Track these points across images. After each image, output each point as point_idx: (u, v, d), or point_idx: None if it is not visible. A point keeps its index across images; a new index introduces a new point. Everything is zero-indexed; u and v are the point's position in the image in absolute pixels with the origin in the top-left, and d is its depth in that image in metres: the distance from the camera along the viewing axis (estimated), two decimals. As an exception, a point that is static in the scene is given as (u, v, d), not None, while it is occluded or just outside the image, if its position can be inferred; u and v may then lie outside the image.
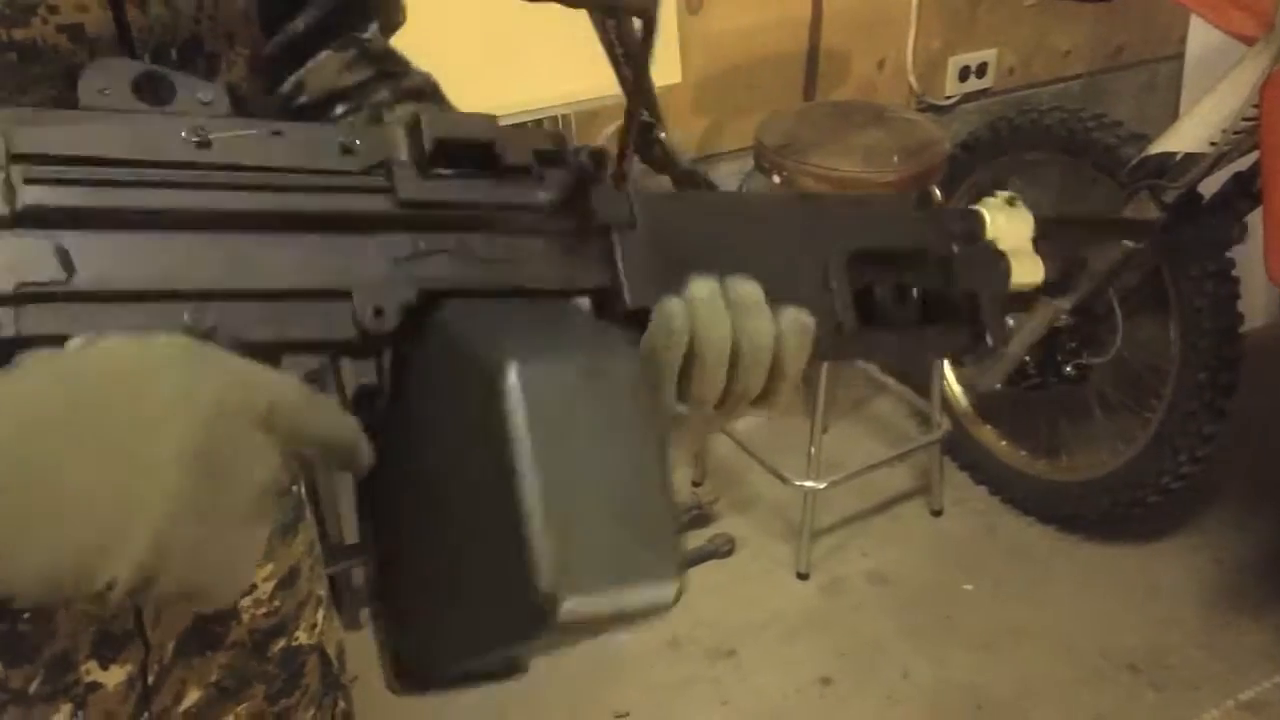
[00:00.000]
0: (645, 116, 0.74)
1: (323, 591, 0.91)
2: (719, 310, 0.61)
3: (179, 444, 0.45)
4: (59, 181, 0.51)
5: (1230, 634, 2.35)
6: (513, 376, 0.49)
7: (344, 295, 0.56)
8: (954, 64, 2.91)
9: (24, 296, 0.49)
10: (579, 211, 0.62)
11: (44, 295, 0.49)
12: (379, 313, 0.56)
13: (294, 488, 0.85)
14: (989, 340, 0.73)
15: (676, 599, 0.50)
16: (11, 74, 0.58)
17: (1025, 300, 0.76)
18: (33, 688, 0.68)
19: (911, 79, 2.83)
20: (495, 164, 0.60)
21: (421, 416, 0.57)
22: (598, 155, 0.58)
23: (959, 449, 2.73)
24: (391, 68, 0.81)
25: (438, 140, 0.58)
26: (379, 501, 0.61)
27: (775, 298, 0.63)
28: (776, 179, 2.29)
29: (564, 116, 2.31)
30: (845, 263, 0.69)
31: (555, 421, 0.49)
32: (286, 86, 0.78)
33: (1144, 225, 1.11)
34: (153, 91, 0.55)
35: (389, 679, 0.59)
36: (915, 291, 0.73)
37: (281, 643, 0.84)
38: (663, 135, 0.71)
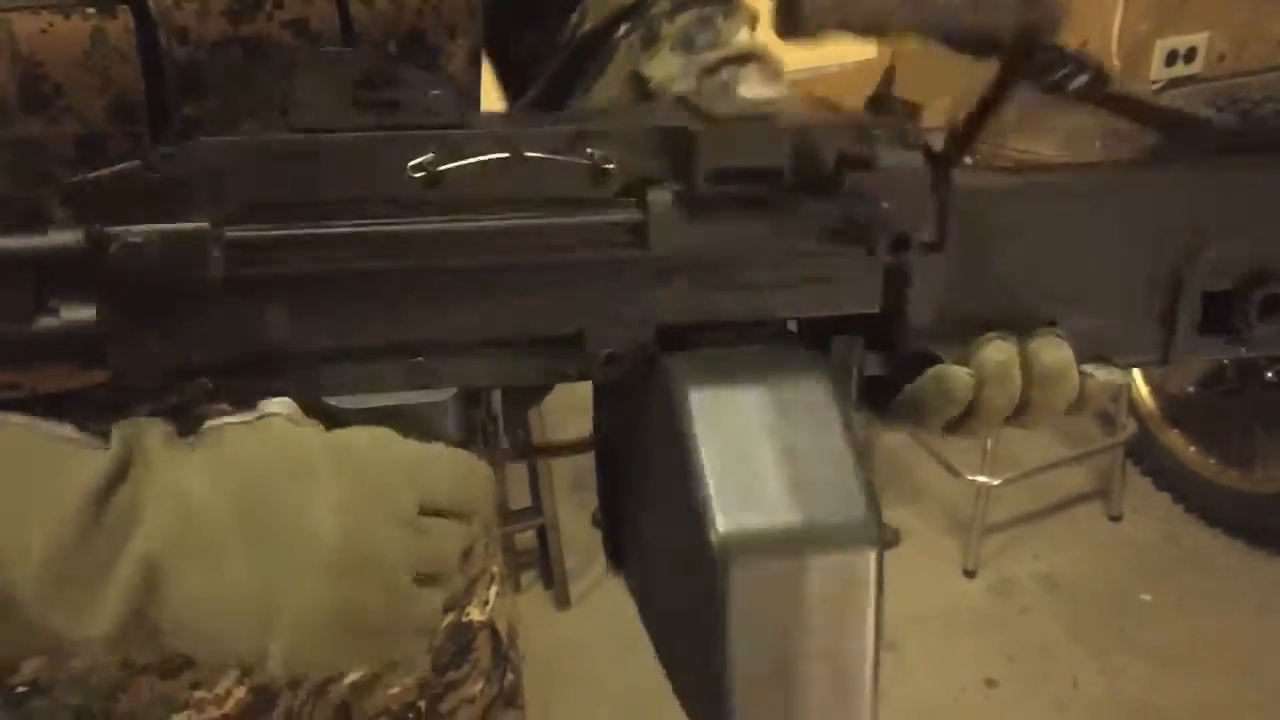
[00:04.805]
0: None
1: (497, 568, 0.90)
2: (1011, 380, 0.56)
3: (318, 554, 0.46)
4: (277, 244, 0.48)
5: None
6: (734, 570, 0.48)
7: (577, 339, 0.52)
8: (1161, 47, 2.76)
9: (241, 360, 0.49)
10: (868, 227, 0.53)
11: (263, 357, 0.49)
12: (611, 360, 0.52)
13: None
14: None
15: None
16: (236, 70, 0.57)
17: None
18: None
19: (1115, 62, 2.70)
20: (778, 184, 0.52)
21: (639, 462, 0.56)
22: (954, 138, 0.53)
23: (1143, 453, 2.61)
24: None
25: (713, 170, 0.51)
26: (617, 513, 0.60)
27: (1098, 345, 0.57)
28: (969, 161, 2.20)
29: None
30: (1203, 272, 0.58)
31: (772, 610, 0.49)
32: (573, 18, 0.74)
33: None
34: (375, 89, 0.49)
35: None
36: None
37: (451, 618, 0.84)
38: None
